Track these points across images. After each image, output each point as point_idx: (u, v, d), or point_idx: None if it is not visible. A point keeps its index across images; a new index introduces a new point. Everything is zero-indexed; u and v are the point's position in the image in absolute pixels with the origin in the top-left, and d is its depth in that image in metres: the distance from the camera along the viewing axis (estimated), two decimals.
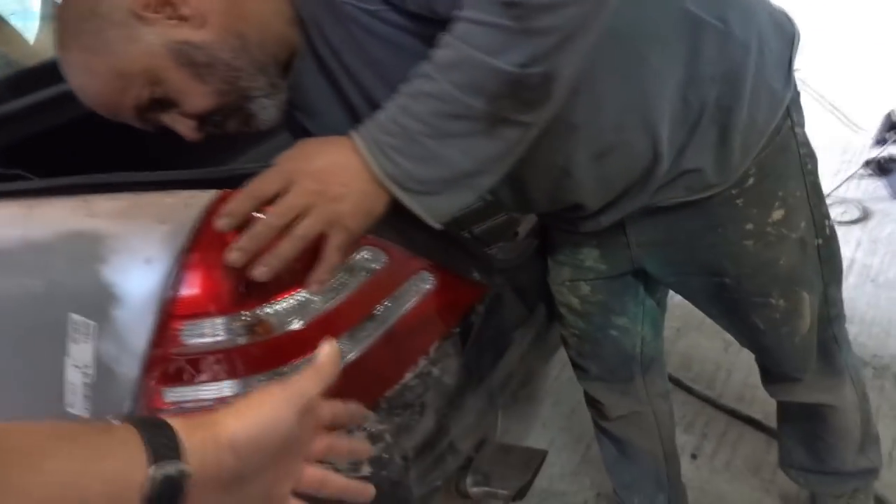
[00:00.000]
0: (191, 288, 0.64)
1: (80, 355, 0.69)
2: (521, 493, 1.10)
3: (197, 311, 0.64)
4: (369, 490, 0.58)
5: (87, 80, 0.73)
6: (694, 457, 1.57)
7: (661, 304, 1.15)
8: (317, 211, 0.63)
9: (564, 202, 0.90)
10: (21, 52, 1.84)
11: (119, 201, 0.67)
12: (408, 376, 0.83)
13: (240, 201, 0.61)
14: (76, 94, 0.74)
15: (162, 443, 0.40)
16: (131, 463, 0.39)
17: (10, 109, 0.95)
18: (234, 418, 0.45)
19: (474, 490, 1.10)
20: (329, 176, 0.64)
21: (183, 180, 0.66)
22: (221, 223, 0.61)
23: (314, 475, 0.54)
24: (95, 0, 0.70)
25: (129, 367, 0.68)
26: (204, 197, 0.63)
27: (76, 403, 0.72)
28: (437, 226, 0.70)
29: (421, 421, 0.89)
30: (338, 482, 0.56)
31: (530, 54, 0.61)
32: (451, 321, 0.87)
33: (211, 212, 0.62)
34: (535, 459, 1.12)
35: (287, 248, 0.62)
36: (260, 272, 0.62)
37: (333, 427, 0.57)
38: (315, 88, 0.80)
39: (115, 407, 0.70)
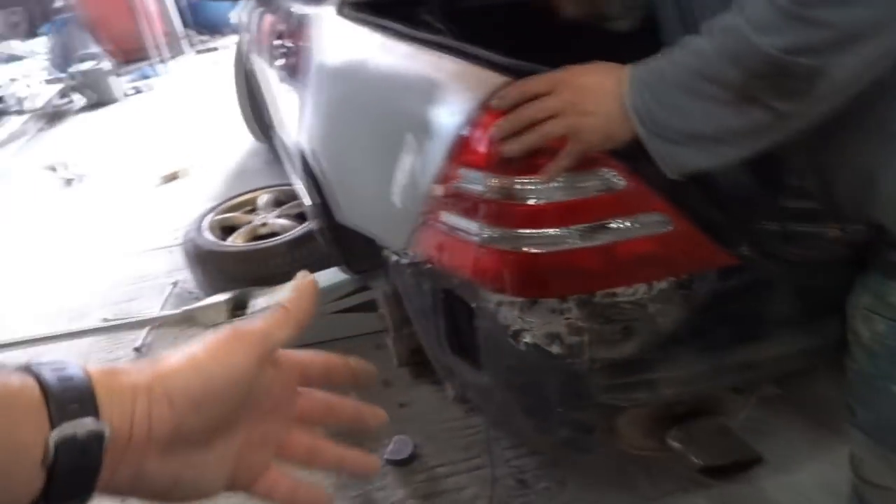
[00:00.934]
0: (468, 144, 0.85)
1: (405, 162, 0.98)
2: (714, 473, 1.10)
3: (466, 161, 0.86)
4: (373, 463, 0.48)
5: None
6: None
7: None
8: (564, 118, 0.75)
9: (868, 217, 0.80)
10: None
11: (457, 66, 0.90)
12: (620, 295, 0.92)
13: (511, 90, 0.78)
14: None
15: (69, 397, 0.33)
16: (25, 424, 0.32)
17: None
18: (174, 365, 0.38)
19: (671, 443, 1.14)
20: (587, 93, 0.75)
21: (501, 63, 0.85)
22: (493, 102, 0.79)
23: (300, 442, 0.45)
24: None
25: (425, 185, 0.95)
26: (497, 80, 0.81)
27: (397, 194, 1.04)
28: (672, 175, 0.75)
29: (622, 342, 0.97)
30: (332, 452, 0.46)
31: (799, 43, 0.59)
32: (681, 271, 0.90)
33: (495, 92, 0.81)
34: (743, 454, 1.10)
35: (530, 139, 0.77)
36: (507, 149, 0.79)
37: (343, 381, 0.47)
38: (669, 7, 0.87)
39: (415, 203, 0.99)
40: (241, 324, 0.41)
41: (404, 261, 1.16)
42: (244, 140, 4.26)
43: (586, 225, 0.86)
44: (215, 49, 7.27)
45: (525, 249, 0.88)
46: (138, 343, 2.43)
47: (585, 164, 0.81)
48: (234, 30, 8.03)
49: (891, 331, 0.92)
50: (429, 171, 0.93)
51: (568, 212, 0.85)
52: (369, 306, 2.25)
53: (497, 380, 1.07)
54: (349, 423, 0.48)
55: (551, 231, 0.87)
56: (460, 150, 0.86)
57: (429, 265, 1.08)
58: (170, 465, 0.37)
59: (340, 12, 1.33)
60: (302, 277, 0.44)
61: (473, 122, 0.84)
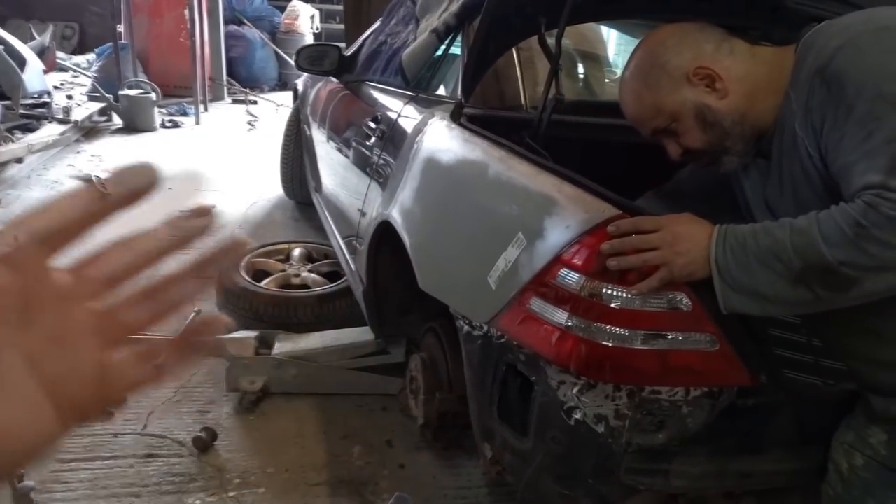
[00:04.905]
0: (577, 252, 1.11)
1: (510, 254, 1.24)
2: None
3: (570, 263, 1.11)
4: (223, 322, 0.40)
5: (633, 101, 1.19)
6: None
7: None
8: (661, 252, 1.02)
9: (854, 363, 1.07)
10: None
11: (576, 191, 1.18)
12: (663, 394, 1.15)
13: (626, 222, 1.05)
14: (621, 106, 1.21)
15: None
16: None
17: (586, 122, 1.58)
18: None
19: None
20: (683, 239, 1.02)
21: (614, 199, 1.13)
22: (609, 228, 1.06)
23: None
24: (666, 58, 1.13)
25: (525, 274, 1.20)
26: (613, 211, 1.09)
27: (493, 277, 1.28)
28: (725, 311, 1.01)
29: (654, 433, 1.20)
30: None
31: (850, 260, 0.88)
32: (714, 383, 1.14)
33: (610, 220, 1.08)
34: None
35: (632, 261, 1.03)
36: (612, 264, 1.05)
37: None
38: (760, 167, 1.16)
39: (510, 287, 1.23)
40: None
41: (477, 332, 1.39)
42: (272, 193, 4.53)
43: (649, 332, 1.11)
44: (253, 102, 7.68)
45: (598, 340, 1.12)
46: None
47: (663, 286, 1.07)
48: (271, 87, 8.47)
49: (867, 464, 1.16)
50: (533, 264, 1.18)
51: (639, 319, 1.10)
52: (383, 369, 2.44)
53: (539, 447, 1.28)
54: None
55: (621, 331, 1.11)
56: (569, 254, 1.12)
57: (502, 339, 1.31)
58: None
59: (455, 119, 1.63)
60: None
61: (586, 235, 1.10)
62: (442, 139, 1.62)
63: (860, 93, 0.91)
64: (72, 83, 7.29)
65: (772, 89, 1.07)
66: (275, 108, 7.33)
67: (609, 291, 1.10)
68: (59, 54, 7.81)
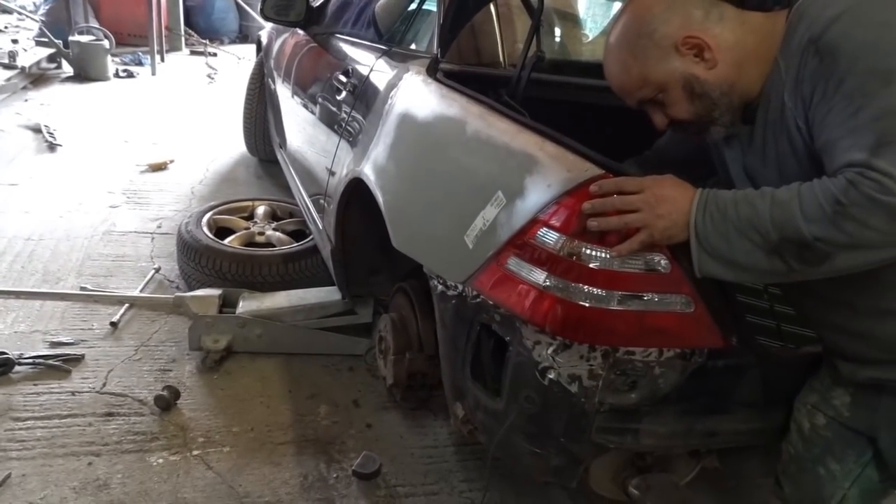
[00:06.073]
0: (557, 211, 1.09)
1: (489, 212, 1.22)
2: None
3: (550, 222, 1.10)
4: None
5: (618, 71, 1.14)
6: None
7: (889, 487, 1.19)
8: (642, 214, 1.01)
9: (824, 332, 1.09)
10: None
11: (558, 150, 1.16)
12: (637, 354, 1.15)
13: (608, 182, 1.04)
14: (606, 74, 1.17)
15: None
16: None
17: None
18: None
19: (632, 490, 1.37)
20: (665, 202, 1.01)
21: (597, 158, 1.11)
22: (592, 188, 1.04)
23: None
24: (653, 27, 1.09)
25: (503, 233, 1.18)
26: (595, 171, 1.07)
27: (470, 236, 1.26)
28: (698, 274, 1.02)
29: (626, 393, 1.21)
30: None
31: (826, 236, 0.88)
32: (687, 344, 1.15)
33: (593, 180, 1.06)
34: None
35: (613, 223, 1.02)
36: (592, 224, 1.04)
37: None
38: (742, 136, 1.15)
39: (488, 246, 1.21)
40: None
41: (451, 292, 1.37)
42: (233, 149, 4.40)
43: (627, 292, 1.11)
44: (213, 54, 7.39)
45: (575, 300, 1.11)
46: (115, 318, 2.48)
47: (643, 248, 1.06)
48: (232, 39, 8.16)
49: (828, 423, 1.20)
50: (512, 223, 1.16)
51: (617, 279, 1.10)
52: (350, 329, 2.42)
53: (512, 406, 1.28)
54: None
55: (599, 291, 1.11)
56: (549, 213, 1.10)
57: (477, 299, 1.30)
58: None
59: (431, 74, 1.58)
60: None
61: (567, 195, 1.08)
62: (418, 95, 1.57)
63: (852, 66, 0.90)
64: (17, 27, 6.89)
65: (760, 58, 1.05)
66: (236, 61, 7.08)
67: (588, 251, 1.09)
68: None
